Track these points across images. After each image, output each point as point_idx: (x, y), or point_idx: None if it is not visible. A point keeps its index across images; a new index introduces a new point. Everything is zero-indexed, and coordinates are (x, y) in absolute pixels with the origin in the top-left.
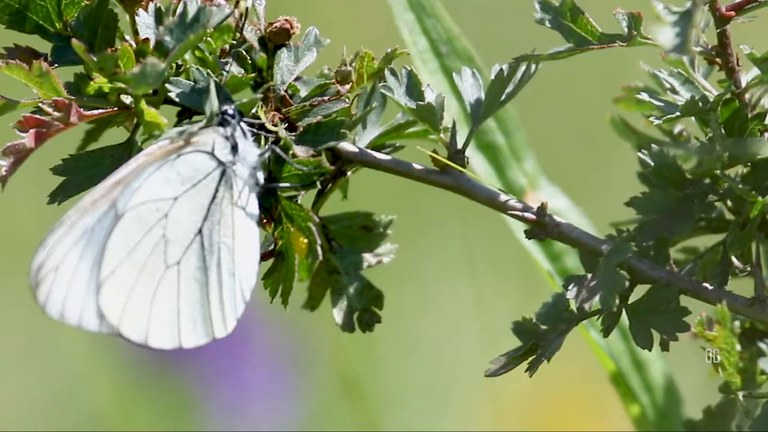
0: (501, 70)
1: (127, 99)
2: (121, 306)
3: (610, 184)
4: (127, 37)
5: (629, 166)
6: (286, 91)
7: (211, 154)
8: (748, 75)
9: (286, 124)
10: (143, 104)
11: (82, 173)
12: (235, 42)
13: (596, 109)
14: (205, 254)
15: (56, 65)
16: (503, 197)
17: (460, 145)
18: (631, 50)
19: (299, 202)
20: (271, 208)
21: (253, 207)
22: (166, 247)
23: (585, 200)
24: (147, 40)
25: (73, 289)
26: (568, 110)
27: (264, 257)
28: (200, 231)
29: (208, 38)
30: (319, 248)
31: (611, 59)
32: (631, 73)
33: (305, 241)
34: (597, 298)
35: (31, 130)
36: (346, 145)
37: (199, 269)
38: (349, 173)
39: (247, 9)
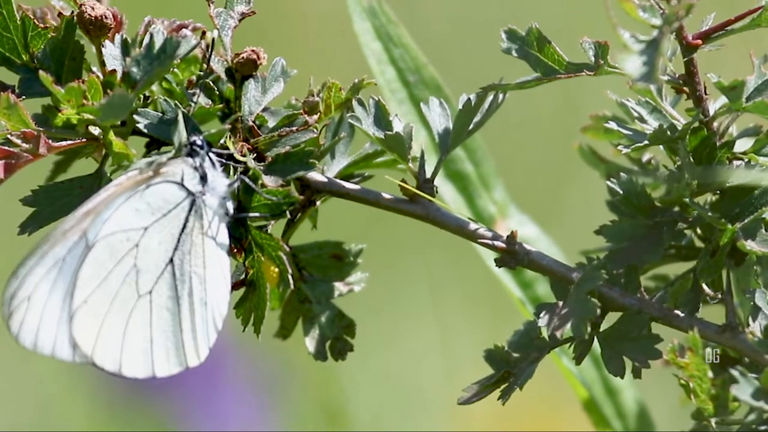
0: (468, 99)
1: (95, 130)
2: (94, 335)
3: (578, 213)
4: (94, 69)
5: (598, 194)
6: (254, 121)
7: (180, 184)
8: (715, 103)
9: (255, 155)
10: (111, 135)
11: (51, 204)
12: (202, 73)
13: (563, 138)
14: (176, 283)
15: (24, 97)
16: (473, 226)
17: (428, 175)
18: (598, 79)
19: (269, 231)
20: (241, 237)
21: (224, 236)
22: (137, 276)
23: (554, 228)
24: (114, 71)
25: (45, 319)
26: (535, 139)
27: (235, 286)
28: (171, 260)
29: (176, 69)
30: (290, 277)
31: (578, 88)
32: (598, 102)
33: (276, 270)
34: (569, 325)
35: (0, 162)
36: (314, 175)
37: (171, 298)
38: (318, 203)
39: (213, 40)
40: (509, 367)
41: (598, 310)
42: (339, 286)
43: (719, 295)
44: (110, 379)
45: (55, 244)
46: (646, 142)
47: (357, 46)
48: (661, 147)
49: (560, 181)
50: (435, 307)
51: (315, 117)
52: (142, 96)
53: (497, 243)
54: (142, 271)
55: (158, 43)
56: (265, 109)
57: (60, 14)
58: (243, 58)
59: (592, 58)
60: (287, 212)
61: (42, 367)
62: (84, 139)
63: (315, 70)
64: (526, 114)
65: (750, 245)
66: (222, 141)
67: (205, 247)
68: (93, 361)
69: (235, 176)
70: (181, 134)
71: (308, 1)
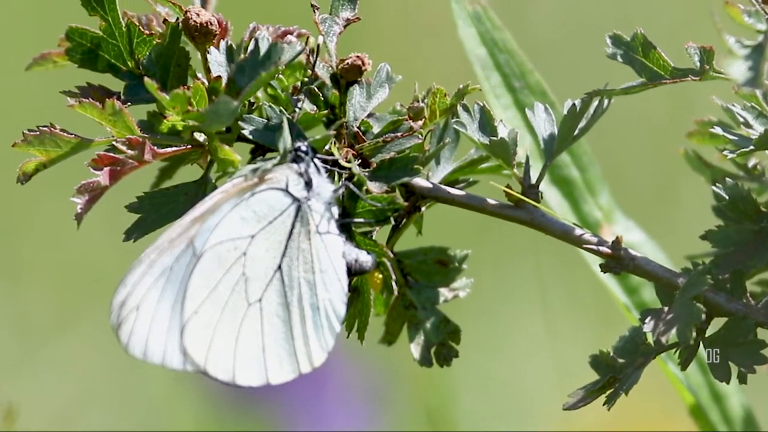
0: (573, 105)
1: (200, 136)
2: (206, 346)
3: (684, 218)
4: (199, 75)
5: (703, 199)
6: (358, 127)
7: (286, 190)
8: None
9: (360, 161)
10: (217, 142)
11: (157, 211)
12: (307, 79)
13: (669, 143)
14: (285, 290)
15: (129, 103)
16: (578, 231)
17: (533, 180)
18: (704, 84)
19: (374, 237)
20: None
21: (334, 239)
22: (246, 285)
23: (659, 233)
24: (219, 77)
25: (155, 329)
26: (641, 144)
27: None
28: (279, 267)
29: (280, 75)
30: (394, 283)
31: (683, 93)
32: (704, 107)
33: (380, 276)
34: (674, 331)
35: (106, 168)
36: (419, 181)
37: (281, 305)
38: (423, 209)
39: (318, 46)
40: (615, 373)
41: (704, 316)
42: (444, 292)
43: None
44: (216, 384)
45: (163, 252)
46: (751, 147)
47: (462, 52)
48: (766, 152)
49: (666, 186)
50: (542, 311)
51: (420, 123)
52: (247, 102)
53: (602, 248)
54: (250, 279)
55: (263, 49)
56: (370, 115)
57: (165, 21)
58: (348, 63)
59: (698, 64)
60: (392, 218)
61: (150, 370)
62: (189, 146)
63: (419, 76)
64: (631, 119)
65: None
66: (327, 147)
67: (312, 253)
68: (206, 371)
69: (340, 182)
70: (286, 140)
71: (413, 7)
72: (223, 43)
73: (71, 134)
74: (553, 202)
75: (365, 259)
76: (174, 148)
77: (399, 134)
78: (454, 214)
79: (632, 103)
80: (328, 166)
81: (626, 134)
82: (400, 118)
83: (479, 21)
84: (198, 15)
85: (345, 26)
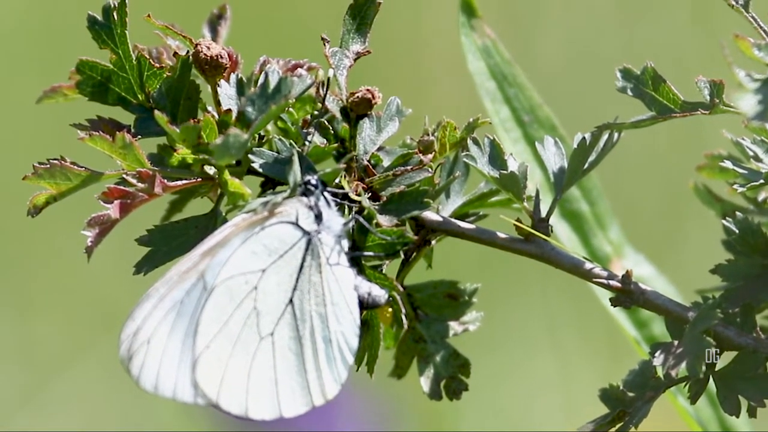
0: (583, 138)
1: (210, 169)
2: (219, 380)
3: (692, 252)
4: (210, 108)
5: (713, 234)
6: (368, 160)
7: (296, 224)
8: None
9: (370, 194)
10: (227, 175)
11: (167, 243)
12: (317, 112)
13: (678, 177)
14: (297, 324)
15: (139, 136)
16: (588, 265)
17: (543, 214)
18: (714, 118)
19: (384, 271)
20: None
21: (344, 272)
22: (258, 319)
23: (668, 268)
24: (229, 110)
25: (165, 362)
26: (650, 178)
27: None
28: (291, 301)
29: (290, 109)
30: (404, 317)
31: (694, 127)
32: (713, 140)
33: (390, 309)
34: (684, 364)
35: (116, 201)
36: (429, 214)
37: (293, 339)
38: (433, 242)
39: (328, 79)
40: (624, 407)
41: (714, 349)
42: (454, 326)
43: None
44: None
45: (173, 286)
46: (761, 180)
47: (471, 86)
48: None
49: (675, 220)
50: (552, 345)
51: (430, 156)
52: (257, 135)
53: (612, 282)
54: (262, 313)
55: (273, 82)
56: (380, 149)
57: (175, 54)
58: (358, 97)
59: (708, 97)
60: (402, 252)
61: (158, 403)
62: (199, 179)
63: (429, 109)
64: (641, 153)
65: None
66: (337, 180)
67: (324, 285)
68: (218, 405)
69: (350, 215)
70: (296, 174)
71: (423, 40)
72: (233, 77)
73: (81, 167)
74: (563, 236)
75: (378, 293)
76: (184, 182)
77: (409, 168)
78: (464, 248)
79: (641, 137)
80: (338, 200)
81: (635, 168)
82: (410, 151)
83: (489, 54)
84: (208, 48)
85: (355, 59)
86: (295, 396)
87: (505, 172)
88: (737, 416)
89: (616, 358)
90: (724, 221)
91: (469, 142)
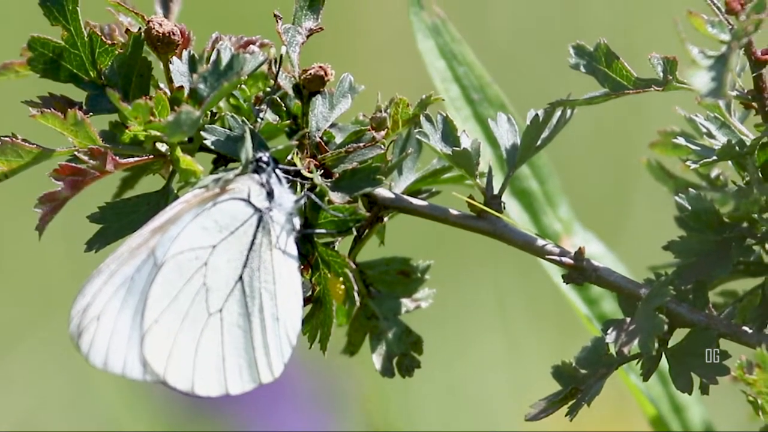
0: (536, 115)
1: (162, 147)
2: (166, 355)
3: (639, 229)
4: (162, 85)
5: (661, 211)
6: (321, 137)
7: (247, 201)
8: None
9: (322, 171)
10: (179, 152)
11: (118, 221)
12: (269, 89)
13: (628, 155)
14: (246, 300)
15: (91, 114)
16: (540, 242)
17: (496, 191)
18: (667, 94)
19: (336, 248)
20: (307, 254)
21: (293, 251)
22: (207, 295)
23: (618, 245)
24: (181, 87)
25: (115, 339)
26: (600, 155)
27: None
28: (240, 278)
29: (243, 86)
30: (356, 294)
31: (646, 103)
32: (666, 117)
33: (342, 287)
34: (636, 342)
35: (67, 178)
36: (382, 191)
37: (241, 316)
38: (385, 219)
39: (281, 56)
40: (577, 384)
41: (666, 327)
42: (406, 302)
43: None
44: (171, 392)
45: (123, 262)
46: (714, 157)
47: (422, 65)
48: (729, 162)
49: (624, 198)
50: (502, 322)
51: (382, 133)
52: (209, 112)
53: (565, 259)
54: (211, 289)
55: (225, 59)
56: (332, 125)
57: (127, 31)
58: (311, 74)
59: (661, 74)
60: (354, 229)
61: (106, 379)
62: (151, 156)
63: (380, 88)
64: (591, 130)
65: None
66: (289, 157)
67: (274, 263)
68: (165, 380)
69: (302, 193)
70: (247, 151)
71: (373, 19)
72: (185, 54)
73: (33, 144)
74: (513, 213)
75: None
76: (136, 158)
77: (361, 144)
78: (416, 225)
79: (588, 115)
80: (290, 177)
81: (585, 146)
82: (363, 128)
83: (438, 33)
84: (160, 25)
85: (308, 36)
86: (242, 373)
87: (458, 148)
88: (690, 393)
89: (565, 336)
90: (676, 198)
91: (422, 118)
